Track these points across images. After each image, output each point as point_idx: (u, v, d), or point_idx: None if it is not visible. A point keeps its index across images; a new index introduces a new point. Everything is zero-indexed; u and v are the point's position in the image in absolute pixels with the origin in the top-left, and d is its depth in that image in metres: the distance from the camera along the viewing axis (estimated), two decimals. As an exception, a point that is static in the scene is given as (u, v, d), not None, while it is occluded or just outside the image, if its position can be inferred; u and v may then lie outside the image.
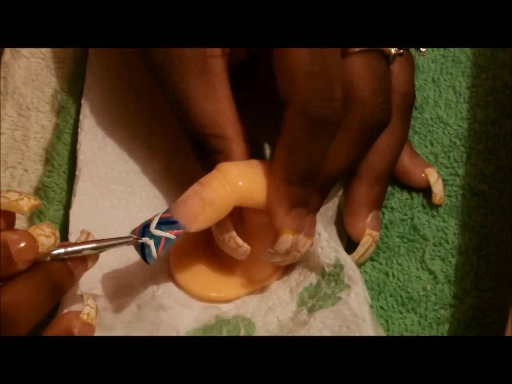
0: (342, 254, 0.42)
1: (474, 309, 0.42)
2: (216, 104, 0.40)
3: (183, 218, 0.39)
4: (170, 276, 0.44)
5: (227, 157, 0.41)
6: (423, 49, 0.45)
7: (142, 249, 0.39)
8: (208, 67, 0.40)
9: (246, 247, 0.41)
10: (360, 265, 0.44)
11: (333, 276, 0.42)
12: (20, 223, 0.48)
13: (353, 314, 0.40)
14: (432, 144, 0.47)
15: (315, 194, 0.40)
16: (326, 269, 0.42)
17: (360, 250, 0.44)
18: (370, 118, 0.40)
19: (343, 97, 0.38)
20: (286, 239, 0.40)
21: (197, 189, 0.39)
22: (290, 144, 0.39)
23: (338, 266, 0.42)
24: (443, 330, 0.43)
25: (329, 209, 0.46)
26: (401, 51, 0.43)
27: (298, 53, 0.37)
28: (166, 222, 0.39)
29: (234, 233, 0.40)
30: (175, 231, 0.39)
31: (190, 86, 0.40)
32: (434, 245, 0.45)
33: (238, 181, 0.39)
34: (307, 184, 0.39)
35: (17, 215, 0.48)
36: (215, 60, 0.40)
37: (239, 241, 0.41)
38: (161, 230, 0.39)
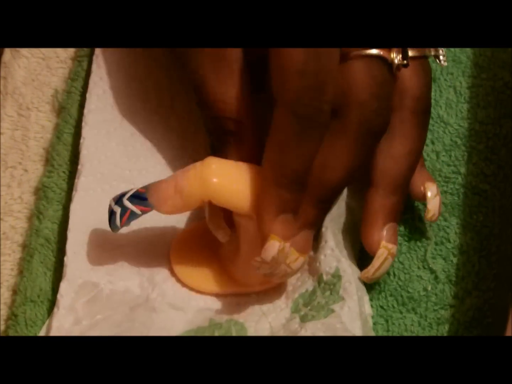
0: (344, 265, 0.42)
1: (474, 309, 0.42)
2: (233, 90, 0.41)
3: (154, 199, 0.39)
4: (167, 278, 0.44)
5: (239, 140, 0.41)
6: (442, 58, 0.45)
7: (111, 216, 0.40)
8: (225, 54, 0.41)
9: (227, 230, 0.41)
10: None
11: (329, 285, 0.41)
12: (20, 223, 0.48)
13: (344, 329, 0.39)
14: (433, 143, 0.47)
15: (311, 207, 0.40)
16: (324, 277, 0.42)
17: (375, 263, 0.42)
18: (367, 122, 0.40)
19: (333, 100, 0.38)
20: (273, 246, 0.38)
21: (177, 174, 0.40)
22: (279, 143, 0.38)
23: (337, 276, 0.41)
24: (443, 330, 0.42)
25: (341, 215, 0.45)
26: (405, 62, 0.42)
27: (293, 52, 0.37)
28: (137, 197, 0.40)
29: (220, 214, 0.41)
30: (142, 207, 0.39)
31: (207, 72, 0.41)
32: (435, 244, 0.45)
33: (212, 177, 0.39)
34: (296, 188, 0.39)
35: (16, 215, 0.49)
36: (233, 49, 0.40)
37: (222, 222, 0.41)
38: (131, 202, 0.40)
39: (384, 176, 0.42)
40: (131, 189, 0.40)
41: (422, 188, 0.44)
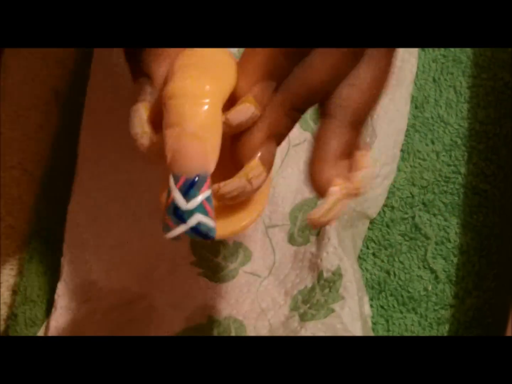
0: (345, 264, 0.42)
1: (474, 309, 0.42)
2: None
3: (197, 167, 0.32)
4: (164, 275, 0.43)
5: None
6: None
7: (197, 231, 0.33)
8: None
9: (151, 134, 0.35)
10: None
11: (328, 283, 0.42)
12: (20, 223, 0.48)
13: (344, 329, 0.39)
14: (433, 142, 0.47)
15: (283, 114, 0.34)
16: (324, 274, 0.42)
17: (329, 201, 0.34)
18: None
19: None
20: (248, 108, 0.33)
21: (177, 132, 0.33)
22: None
23: (337, 274, 0.41)
24: (444, 330, 0.43)
25: (344, 213, 0.45)
26: None
27: None
28: (190, 187, 0.33)
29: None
30: (203, 187, 0.32)
31: None
32: (436, 244, 0.45)
33: (203, 86, 0.33)
34: (291, 58, 0.34)
35: (16, 215, 0.49)
36: None
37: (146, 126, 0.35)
38: (194, 196, 0.32)
39: (343, 106, 0.36)
40: (170, 201, 0.33)
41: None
